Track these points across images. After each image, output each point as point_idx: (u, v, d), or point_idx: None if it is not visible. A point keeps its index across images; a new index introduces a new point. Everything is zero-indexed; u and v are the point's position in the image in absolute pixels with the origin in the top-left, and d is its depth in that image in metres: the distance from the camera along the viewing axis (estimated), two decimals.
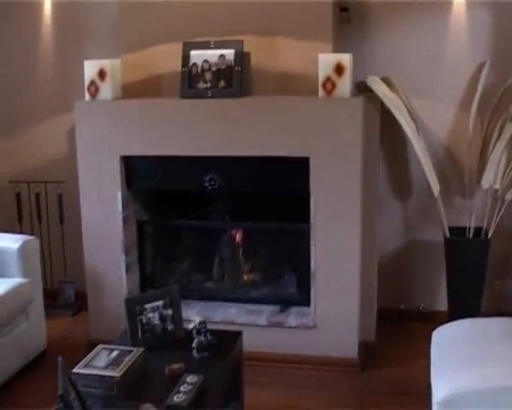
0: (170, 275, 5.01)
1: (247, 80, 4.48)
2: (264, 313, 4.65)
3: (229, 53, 4.45)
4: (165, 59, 4.60)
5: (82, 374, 3.02)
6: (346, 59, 4.23)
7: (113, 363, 3.11)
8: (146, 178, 4.62)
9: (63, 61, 5.29)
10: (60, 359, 2.79)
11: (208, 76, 4.48)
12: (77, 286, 5.40)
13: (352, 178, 4.23)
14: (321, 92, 4.25)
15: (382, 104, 4.46)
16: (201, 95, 4.46)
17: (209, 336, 3.37)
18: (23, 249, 4.44)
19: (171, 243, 5.03)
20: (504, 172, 4.57)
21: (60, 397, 2.60)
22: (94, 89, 4.56)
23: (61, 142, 5.38)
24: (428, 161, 4.48)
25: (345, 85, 4.22)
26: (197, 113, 4.39)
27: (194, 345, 3.36)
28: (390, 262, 5.06)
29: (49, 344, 4.70)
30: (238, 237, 4.84)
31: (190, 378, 3.02)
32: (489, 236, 4.60)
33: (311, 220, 4.32)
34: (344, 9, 4.71)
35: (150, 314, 3.45)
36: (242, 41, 4.43)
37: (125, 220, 4.64)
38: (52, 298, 5.33)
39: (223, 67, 4.46)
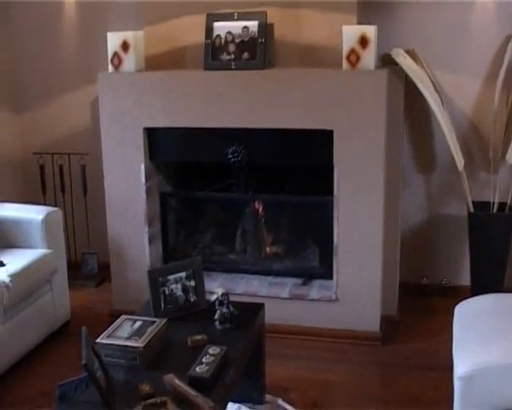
0: (192, 247, 5.03)
1: (270, 52, 4.46)
2: (286, 286, 4.65)
3: (253, 25, 4.43)
4: (188, 31, 4.59)
5: (105, 344, 3.05)
6: (370, 31, 4.19)
7: (136, 334, 3.13)
8: (169, 150, 4.62)
9: (87, 33, 5.28)
10: (83, 329, 2.82)
11: (232, 48, 4.46)
12: (100, 258, 5.43)
13: (376, 151, 4.20)
14: (345, 65, 4.21)
15: (407, 77, 4.42)
16: (225, 67, 4.44)
17: (231, 308, 3.38)
18: (47, 221, 4.47)
19: (193, 214, 5.04)
20: None
21: (83, 366, 2.63)
22: (117, 61, 4.55)
23: (84, 114, 5.39)
24: (453, 134, 4.44)
25: (369, 58, 4.18)
26: (220, 85, 4.38)
27: (216, 317, 3.37)
28: (413, 236, 5.04)
29: (72, 315, 4.74)
30: (261, 209, 4.84)
31: (212, 350, 3.04)
32: None
33: (335, 193, 4.31)
34: None
35: (173, 286, 3.46)
36: (266, 13, 4.40)
37: (148, 192, 4.66)
38: (75, 270, 5.37)
39: (246, 39, 4.44)
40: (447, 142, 4.43)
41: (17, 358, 4.17)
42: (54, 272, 4.51)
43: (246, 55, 4.43)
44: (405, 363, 4.18)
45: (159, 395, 2.72)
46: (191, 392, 2.75)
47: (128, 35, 4.54)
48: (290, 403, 3.77)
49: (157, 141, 4.60)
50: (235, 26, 4.46)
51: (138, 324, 3.22)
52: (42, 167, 5.50)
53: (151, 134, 4.59)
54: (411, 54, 4.49)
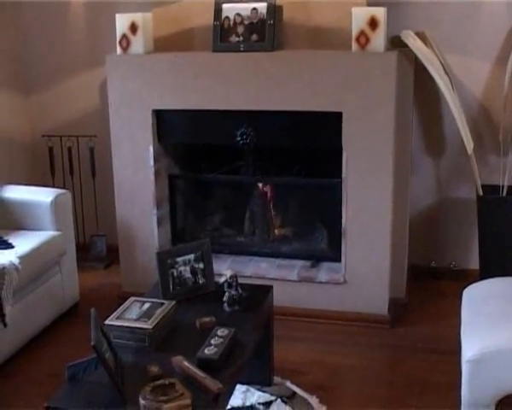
0: (201, 229, 5.03)
1: (279, 34, 4.44)
2: (294, 268, 4.65)
3: (262, 6, 4.40)
4: (196, 12, 4.57)
5: (114, 326, 3.06)
6: (380, 13, 4.16)
7: (145, 315, 3.13)
8: (177, 132, 4.61)
9: (95, 15, 5.26)
10: (92, 310, 2.82)
11: (240, 29, 4.44)
12: (108, 240, 5.44)
13: (385, 133, 4.18)
14: (354, 46, 4.18)
15: (416, 59, 4.39)
16: (234, 48, 4.42)
17: (240, 290, 3.38)
18: (56, 203, 4.48)
19: (202, 197, 5.04)
20: None
21: (92, 348, 2.64)
22: (125, 42, 4.54)
23: (93, 96, 5.38)
24: (462, 117, 4.42)
25: (379, 40, 4.15)
26: (229, 66, 4.36)
27: (225, 299, 3.38)
28: (422, 219, 5.03)
29: (81, 296, 4.75)
30: (269, 191, 4.84)
31: (221, 332, 3.04)
32: None
33: (343, 175, 4.29)
34: None
35: (182, 268, 3.47)
36: None
37: (157, 174, 4.65)
38: (84, 252, 5.38)
39: (255, 21, 4.42)
40: (457, 125, 4.41)
41: (26, 339, 4.19)
42: (62, 254, 4.52)
43: (254, 36, 4.41)
44: (413, 346, 4.18)
45: (167, 376, 2.72)
46: (200, 374, 2.75)
47: (136, 17, 4.52)
48: (298, 385, 3.78)
49: (165, 123, 4.59)
50: (244, 8, 4.44)
51: (147, 305, 3.23)
52: (51, 150, 5.50)
53: (159, 116, 4.58)
54: (421, 36, 4.46)
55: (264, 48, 4.36)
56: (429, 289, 4.88)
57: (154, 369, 2.77)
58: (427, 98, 4.80)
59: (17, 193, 4.59)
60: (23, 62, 5.52)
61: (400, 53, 4.29)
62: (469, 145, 4.44)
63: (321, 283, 4.53)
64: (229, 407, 3.31)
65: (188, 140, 4.67)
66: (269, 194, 4.84)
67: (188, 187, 4.97)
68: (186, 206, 5.01)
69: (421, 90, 4.68)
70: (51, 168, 5.53)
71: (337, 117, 4.23)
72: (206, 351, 2.89)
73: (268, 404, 3.62)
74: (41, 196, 4.52)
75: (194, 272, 3.49)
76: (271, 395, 3.68)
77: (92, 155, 5.41)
